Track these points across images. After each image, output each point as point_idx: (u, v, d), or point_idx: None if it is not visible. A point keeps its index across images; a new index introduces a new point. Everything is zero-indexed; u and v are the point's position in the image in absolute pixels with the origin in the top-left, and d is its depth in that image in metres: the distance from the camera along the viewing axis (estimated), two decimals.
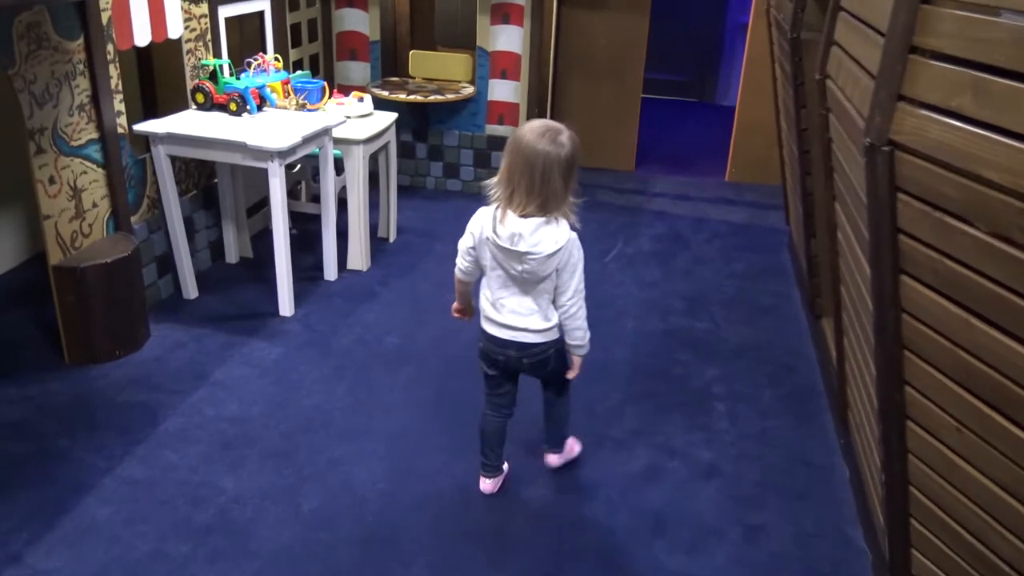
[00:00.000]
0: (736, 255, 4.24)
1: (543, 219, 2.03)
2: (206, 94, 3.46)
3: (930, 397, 1.72)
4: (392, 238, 4.21)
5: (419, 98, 4.47)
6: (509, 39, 4.57)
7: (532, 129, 2.01)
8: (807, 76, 3.04)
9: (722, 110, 7.24)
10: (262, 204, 4.13)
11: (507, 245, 2.04)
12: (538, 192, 1.99)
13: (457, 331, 3.32)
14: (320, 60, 4.78)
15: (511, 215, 2.03)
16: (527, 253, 2.03)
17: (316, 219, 3.78)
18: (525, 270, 2.07)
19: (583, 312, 2.19)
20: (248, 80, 3.56)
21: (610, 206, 4.83)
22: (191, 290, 3.50)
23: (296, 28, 4.44)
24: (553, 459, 2.54)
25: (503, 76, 4.66)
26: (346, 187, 3.75)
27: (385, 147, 3.97)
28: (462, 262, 2.22)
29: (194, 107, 3.51)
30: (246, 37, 4.00)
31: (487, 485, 2.45)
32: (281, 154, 3.12)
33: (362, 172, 3.67)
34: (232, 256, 3.86)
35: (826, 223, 2.57)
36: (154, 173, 3.31)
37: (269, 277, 3.48)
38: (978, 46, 1.37)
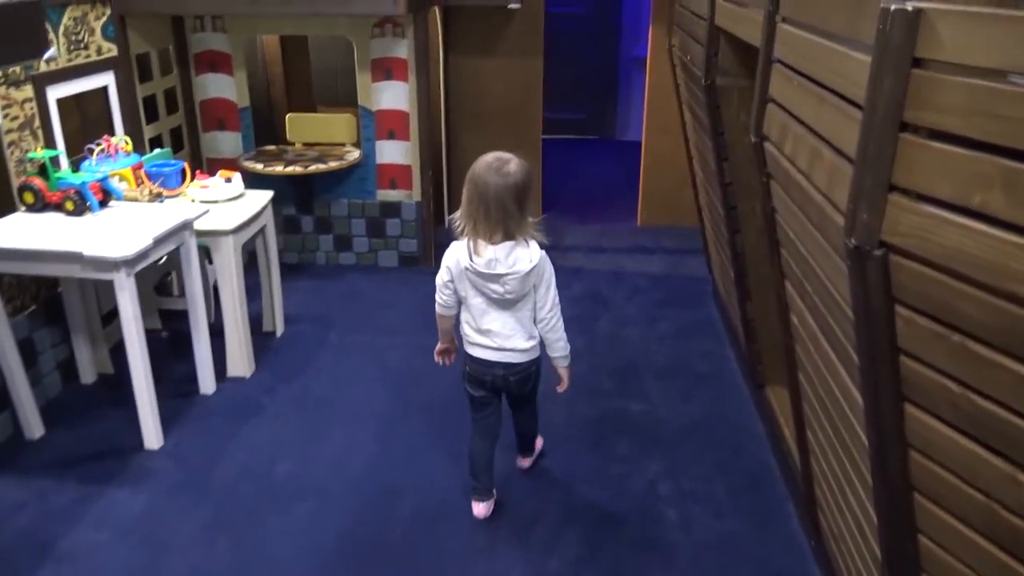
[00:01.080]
0: (660, 312, 3.91)
1: (512, 242, 2.19)
2: (36, 193, 2.91)
3: (949, 549, 1.36)
4: (279, 331, 3.71)
5: (298, 169, 4.00)
6: (394, 96, 4.16)
7: (483, 162, 2.17)
8: (727, 126, 2.73)
9: (624, 146, 7.00)
10: None
11: (486, 270, 2.17)
12: (497, 220, 2.14)
13: (360, 445, 2.85)
14: (184, 133, 4.25)
15: (483, 244, 2.17)
16: (506, 274, 2.18)
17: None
18: (507, 291, 2.21)
19: (561, 324, 2.38)
20: (88, 171, 3.03)
21: None
22: (34, 428, 2.91)
23: (151, 101, 3.92)
24: (526, 462, 2.75)
25: (391, 136, 4.23)
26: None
27: (262, 231, 3.48)
28: (442, 296, 2.33)
29: (23, 209, 2.95)
30: (89, 118, 3.46)
31: (480, 509, 2.51)
32: (128, 263, 2.60)
33: (235, 266, 3.17)
34: (88, 375, 3.29)
35: (775, 301, 2.23)
36: None
37: (133, 397, 2.93)
38: (997, 124, 1.03)
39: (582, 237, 4.91)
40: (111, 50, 3.53)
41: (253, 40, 4.66)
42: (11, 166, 2.95)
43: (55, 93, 3.16)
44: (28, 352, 3.02)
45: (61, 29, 3.19)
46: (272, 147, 4.38)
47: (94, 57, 3.42)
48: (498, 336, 2.29)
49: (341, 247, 4.45)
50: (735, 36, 2.46)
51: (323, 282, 4.27)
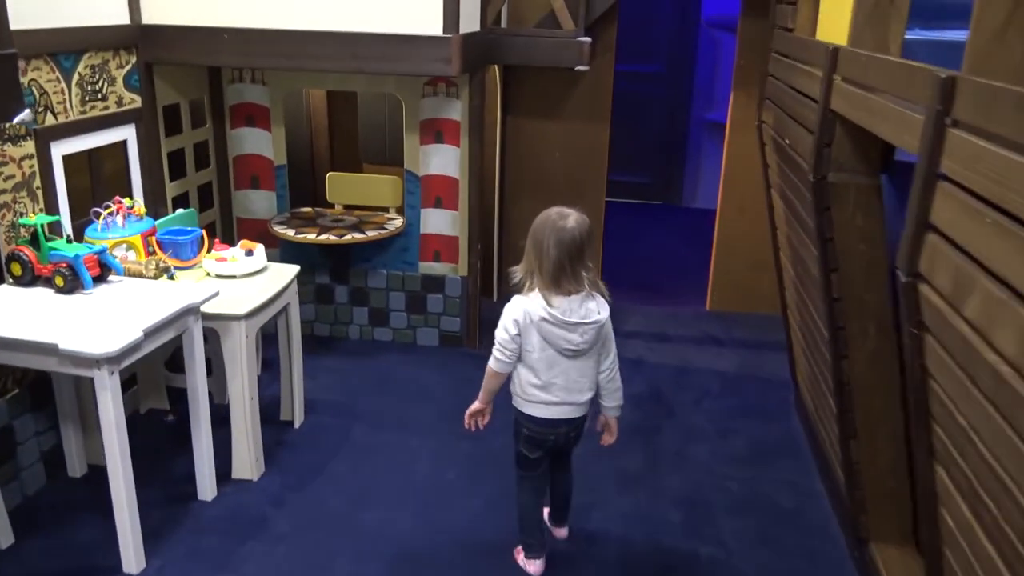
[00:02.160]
0: (734, 424, 3.38)
1: (583, 294, 2.19)
2: (24, 264, 2.54)
3: None
4: (298, 422, 3.27)
5: (332, 239, 3.60)
6: (444, 161, 3.75)
7: (548, 216, 2.18)
8: (838, 230, 2.23)
9: (691, 215, 6.51)
10: (127, 382, 3.18)
11: (569, 319, 2.16)
12: (571, 272, 2.15)
13: None
14: (214, 190, 3.90)
15: (554, 296, 2.17)
16: (587, 323, 2.18)
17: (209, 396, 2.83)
18: (583, 341, 2.20)
19: (619, 374, 2.40)
20: (95, 237, 2.66)
21: None
22: (3, 535, 2.51)
23: (178, 156, 3.57)
24: (564, 531, 2.66)
25: (438, 204, 3.82)
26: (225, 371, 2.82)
27: (285, 309, 3.07)
28: (505, 352, 2.25)
29: (9, 282, 2.58)
30: (103, 176, 3.11)
31: (537, 567, 2.48)
32: (110, 360, 2.19)
33: (246, 356, 2.75)
34: (77, 467, 2.88)
35: (923, 485, 1.70)
36: None
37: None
38: None
39: (644, 321, 4.40)
40: (134, 101, 3.19)
41: (297, 91, 4.31)
42: (0, 232, 2.59)
43: (61, 149, 2.81)
44: (6, 443, 2.63)
45: (75, 78, 2.84)
46: (308, 209, 4.00)
47: (113, 108, 3.07)
48: (562, 390, 2.27)
49: (377, 321, 4.03)
50: (856, 124, 1.98)
51: (354, 361, 3.84)
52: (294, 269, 3.09)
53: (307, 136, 4.50)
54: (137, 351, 2.30)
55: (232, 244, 3.90)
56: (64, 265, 2.51)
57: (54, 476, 2.87)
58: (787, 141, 2.64)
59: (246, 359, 2.76)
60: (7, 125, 2.56)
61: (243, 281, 2.95)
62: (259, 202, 3.93)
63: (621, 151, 5.52)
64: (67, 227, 2.87)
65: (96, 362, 2.18)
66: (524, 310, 2.19)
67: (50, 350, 2.20)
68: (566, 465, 2.54)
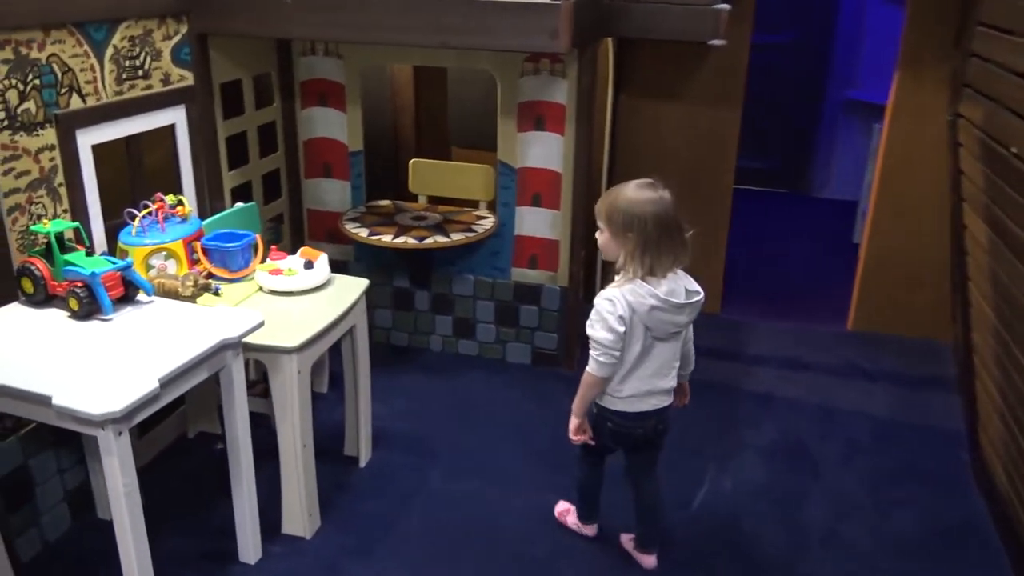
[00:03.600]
0: (897, 493, 2.70)
1: (676, 273, 2.03)
2: (36, 280, 2.10)
3: None
4: (364, 458, 2.78)
5: (411, 242, 3.07)
6: (545, 152, 3.16)
7: (639, 192, 1.99)
8: None
9: (821, 207, 5.74)
10: (170, 407, 2.75)
11: (679, 300, 1.99)
12: (668, 248, 1.97)
13: None
14: (282, 178, 3.42)
15: (656, 279, 1.98)
16: (693, 302, 2.03)
17: (262, 420, 2.40)
18: (687, 321, 2.07)
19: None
20: (128, 243, 2.21)
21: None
22: None
23: (239, 140, 3.10)
24: (652, 559, 2.34)
25: (536, 202, 3.24)
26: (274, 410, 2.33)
27: (350, 332, 2.56)
28: (614, 354, 2.01)
29: (22, 300, 2.15)
30: (143, 167, 2.65)
31: (592, 529, 2.45)
32: (116, 421, 1.72)
33: (297, 396, 2.26)
34: (108, 507, 2.45)
35: None
36: None
37: (161, 543, 2.03)
38: None
39: (772, 343, 3.73)
40: (184, 78, 2.71)
41: (378, 66, 3.79)
42: (12, 239, 2.15)
43: (90, 138, 2.35)
44: (20, 486, 2.23)
45: (108, 52, 2.37)
46: (386, 203, 3.48)
47: (158, 87, 2.60)
48: (655, 376, 2.09)
49: (461, 333, 3.49)
50: None
51: (433, 379, 3.33)
52: (362, 284, 2.57)
53: (390, 116, 3.98)
54: (152, 404, 1.82)
55: (299, 241, 3.45)
56: (80, 284, 2.05)
57: (81, 518, 2.47)
58: (1013, 150, 1.94)
59: (298, 399, 2.26)
60: (19, 111, 2.11)
61: (300, 299, 2.45)
62: (332, 193, 3.44)
63: (741, 131, 4.82)
64: (98, 231, 2.43)
65: (97, 422, 1.71)
66: (628, 303, 1.97)
67: (43, 402, 1.74)
68: (651, 469, 2.28)
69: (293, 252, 2.65)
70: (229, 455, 2.19)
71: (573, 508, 2.48)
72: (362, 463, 2.77)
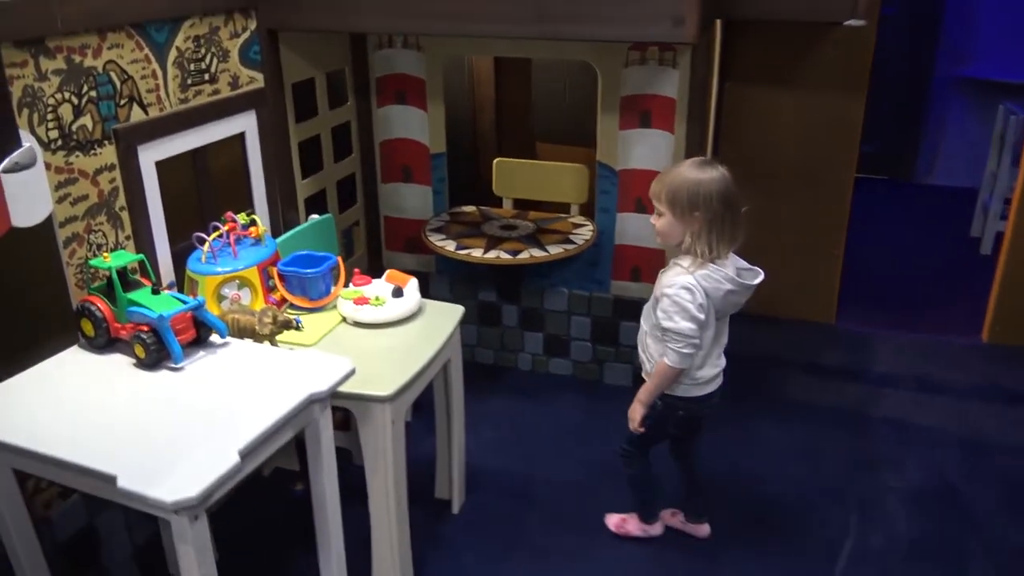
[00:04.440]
0: None
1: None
2: (97, 322, 1.83)
3: None
4: (457, 503, 2.49)
5: (503, 257, 2.75)
6: (651, 151, 2.81)
7: (701, 172, 1.91)
8: None
9: (928, 194, 5.27)
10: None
11: (748, 281, 1.96)
12: (732, 226, 1.92)
13: None
14: (357, 183, 3.13)
15: (726, 261, 1.95)
16: (757, 281, 1.97)
17: (342, 454, 2.11)
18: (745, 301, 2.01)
19: None
20: (197, 270, 1.94)
21: (810, 411, 2.97)
22: None
23: (312, 145, 2.81)
24: (706, 528, 2.35)
25: (640, 208, 2.89)
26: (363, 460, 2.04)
27: (445, 368, 2.26)
28: (696, 342, 1.94)
29: (81, 343, 1.89)
30: (211, 182, 2.38)
31: (659, 527, 2.36)
32: (191, 508, 1.44)
33: (391, 449, 1.96)
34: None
35: None
36: None
37: None
38: None
39: (897, 357, 3.34)
40: (253, 80, 2.43)
41: (459, 57, 3.47)
42: (69, 274, 1.90)
43: (154, 153, 2.08)
44: (86, 546, 1.99)
45: (171, 55, 2.09)
46: (471, 209, 3.17)
47: (226, 92, 2.32)
48: (718, 357, 2.07)
49: (554, 351, 3.18)
50: None
51: (524, 402, 3.02)
52: (456, 313, 2.27)
53: (469, 111, 3.66)
54: (232, 478, 1.54)
55: (376, 252, 3.17)
56: (146, 328, 1.78)
57: (150, 574, 2.23)
58: None
59: (392, 453, 1.97)
60: (74, 127, 1.84)
61: (390, 333, 2.16)
62: (411, 199, 3.14)
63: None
64: (164, 257, 2.16)
65: (169, 507, 1.44)
66: (703, 289, 1.91)
67: (108, 480, 1.48)
68: (698, 443, 2.30)
69: (371, 266, 2.36)
70: (316, 518, 1.91)
71: (628, 516, 2.38)
72: (455, 508, 2.48)
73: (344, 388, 1.86)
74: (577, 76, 3.51)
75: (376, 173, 3.13)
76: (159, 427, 1.60)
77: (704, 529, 2.35)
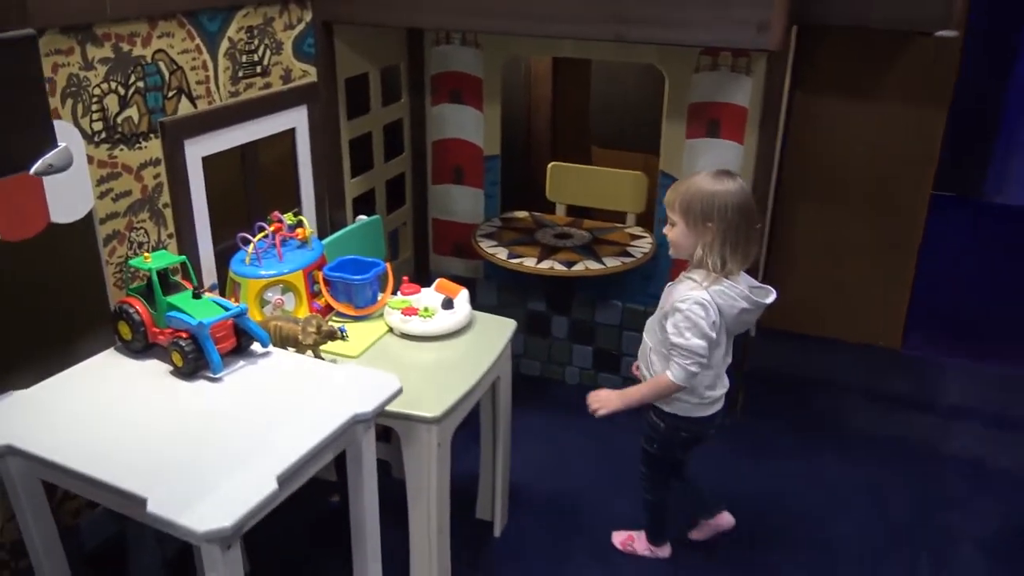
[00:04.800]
0: None
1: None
2: (135, 325, 1.74)
3: None
4: (499, 527, 2.37)
5: (558, 268, 2.62)
6: (717, 162, 2.62)
7: (717, 184, 1.84)
8: None
9: (996, 213, 5.02)
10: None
11: (766, 300, 1.90)
12: (749, 241, 1.86)
13: None
14: (407, 184, 3.02)
15: (737, 276, 1.88)
16: (770, 299, 1.91)
17: (380, 466, 2.00)
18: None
19: None
20: (240, 272, 1.84)
21: (874, 443, 2.79)
22: None
23: (363, 143, 2.71)
24: (728, 516, 2.26)
25: None
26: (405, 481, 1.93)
27: (494, 385, 2.14)
28: (704, 361, 1.86)
29: (117, 344, 1.81)
30: (258, 179, 2.28)
31: (667, 549, 2.28)
32: (225, 538, 1.33)
33: (435, 474, 1.85)
34: None
35: None
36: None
37: None
38: None
39: (969, 388, 3.14)
40: (306, 74, 2.33)
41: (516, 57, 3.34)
42: (108, 273, 1.81)
43: (201, 148, 1.98)
44: (113, 556, 1.91)
45: (223, 46, 2.00)
46: (523, 215, 3.04)
47: (278, 86, 2.22)
48: (725, 374, 1.99)
49: (604, 365, 3.04)
50: None
51: (571, 419, 2.87)
52: (508, 327, 2.14)
53: (524, 111, 3.53)
54: (269, 506, 1.43)
55: (423, 254, 3.05)
56: (185, 336, 1.68)
57: None
58: None
59: (436, 477, 1.85)
60: (119, 119, 1.75)
61: (438, 347, 2.04)
62: (462, 201, 3.02)
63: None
64: (207, 257, 2.07)
65: (199, 535, 1.33)
66: (717, 306, 1.85)
67: (137, 502, 1.38)
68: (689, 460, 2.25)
69: (418, 270, 2.23)
70: (353, 539, 1.80)
71: (636, 534, 2.30)
72: (497, 531, 2.36)
73: (395, 411, 1.75)
74: (639, 78, 3.36)
75: (427, 174, 3.02)
76: (194, 445, 1.50)
77: (727, 518, 2.27)
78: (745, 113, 2.56)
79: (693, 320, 1.83)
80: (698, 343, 1.84)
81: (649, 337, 2.00)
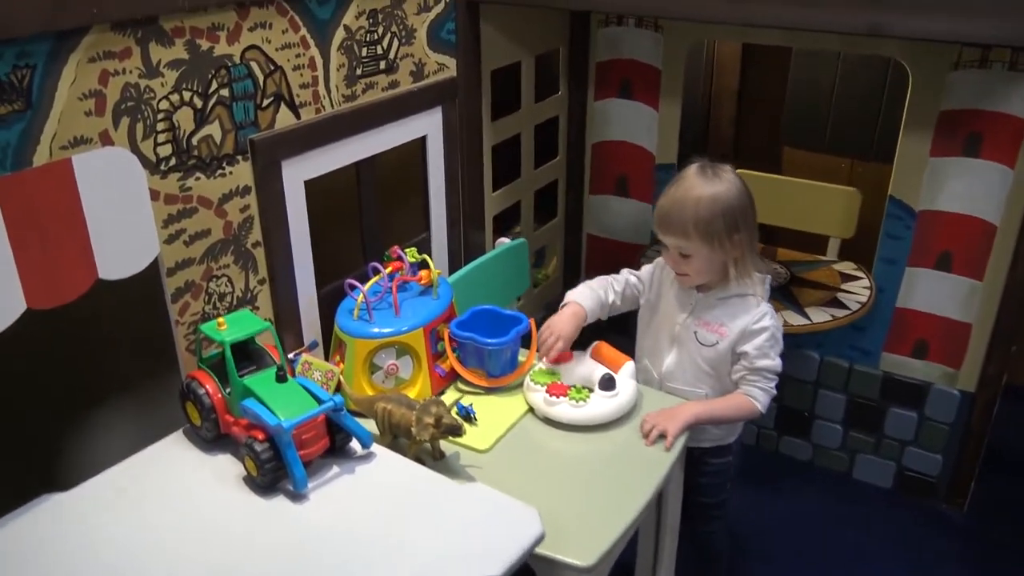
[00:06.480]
0: None
1: None
2: (204, 409, 1.34)
3: None
4: None
5: None
6: (974, 190, 2.00)
7: (714, 183, 1.58)
8: None
9: None
10: None
11: None
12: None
13: None
14: (560, 192, 2.52)
15: None
16: None
17: None
18: None
19: None
20: (348, 330, 1.44)
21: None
22: None
23: (509, 148, 2.22)
24: None
25: (943, 265, 2.09)
26: None
27: (660, 496, 1.62)
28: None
29: (185, 427, 1.41)
30: (390, 189, 1.84)
31: None
32: None
33: None
34: None
35: None
36: None
37: None
38: None
39: None
40: (443, 68, 1.85)
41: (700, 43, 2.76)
42: (179, 335, 1.41)
43: (302, 170, 1.55)
44: None
45: (336, 37, 1.54)
46: None
47: (406, 84, 1.76)
48: None
49: (792, 429, 2.46)
50: None
51: (747, 486, 2.31)
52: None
53: (703, 104, 2.94)
54: None
55: (573, 274, 2.54)
56: (261, 437, 1.26)
57: None
58: None
59: None
60: (194, 140, 1.33)
61: (592, 439, 1.54)
62: (623, 216, 2.49)
63: None
64: (307, 306, 1.64)
65: None
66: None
67: None
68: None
69: (576, 346, 1.71)
70: None
71: None
72: None
73: (543, 555, 1.27)
74: (852, 67, 2.70)
75: (584, 182, 2.50)
76: None
77: None
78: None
79: (778, 337, 1.63)
80: (780, 361, 1.64)
81: (709, 365, 1.65)
